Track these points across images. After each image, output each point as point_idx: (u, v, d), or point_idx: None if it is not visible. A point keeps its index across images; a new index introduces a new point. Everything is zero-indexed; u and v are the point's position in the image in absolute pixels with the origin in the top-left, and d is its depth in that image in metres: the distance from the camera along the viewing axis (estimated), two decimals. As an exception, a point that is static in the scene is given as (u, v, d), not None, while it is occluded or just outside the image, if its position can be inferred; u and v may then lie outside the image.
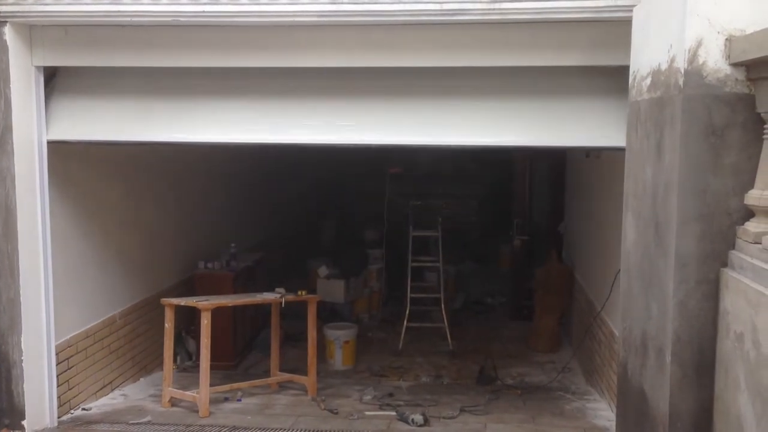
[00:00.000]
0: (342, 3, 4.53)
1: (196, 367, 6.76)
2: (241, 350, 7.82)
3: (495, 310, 10.38)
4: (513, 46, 4.70)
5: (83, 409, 5.86)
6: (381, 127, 5.17)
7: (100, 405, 6.04)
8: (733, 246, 3.30)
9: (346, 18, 4.60)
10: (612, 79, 4.76)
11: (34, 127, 5.15)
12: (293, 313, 7.79)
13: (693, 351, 3.35)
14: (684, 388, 3.38)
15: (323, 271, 9.41)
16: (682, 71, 3.29)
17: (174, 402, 6.12)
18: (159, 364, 6.80)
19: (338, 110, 5.21)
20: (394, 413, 5.94)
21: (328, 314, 9.05)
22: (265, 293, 6.94)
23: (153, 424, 5.66)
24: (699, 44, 3.26)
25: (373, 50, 4.83)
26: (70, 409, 5.74)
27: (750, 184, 3.25)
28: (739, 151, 3.28)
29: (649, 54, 3.79)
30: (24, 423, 5.17)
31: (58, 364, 5.46)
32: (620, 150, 4.36)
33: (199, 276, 7.62)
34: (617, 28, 4.34)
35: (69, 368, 5.68)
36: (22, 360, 5.12)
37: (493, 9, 4.41)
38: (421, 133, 5.14)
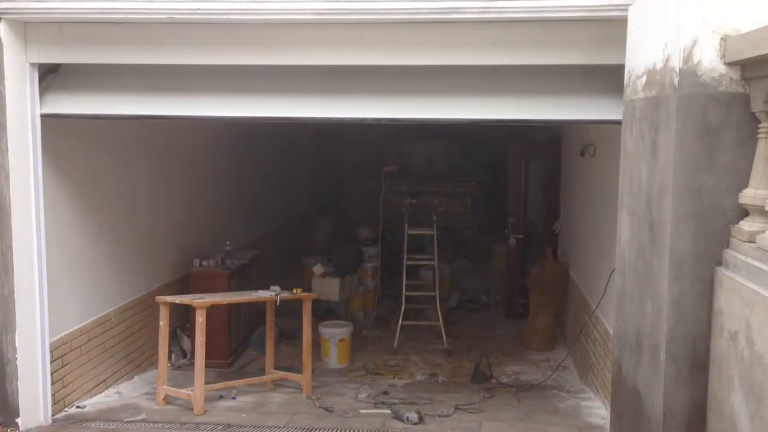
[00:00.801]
0: (339, 1, 4.52)
1: (191, 365, 6.76)
2: (236, 348, 7.81)
3: (490, 308, 10.38)
4: (510, 45, 4.70)
5: (78, 407, 5.84)
6: (382, 108, 5.18)
7: (94, 403, 6.02)
8: (727, 245, 3.31)
9: (343, 16, 4.60)
10: (609, 76, 4.76)
11: (28, 125, 5.14)
12: (288, 311, 7.79)
13: (687, 349, 3.37)
14: (678, 386, 3.39)
15: (318, 269, 9.39)
16: (677, 70, 3.30)
17: (169, 400, 6.11)
18: (154, 362, 6.79)
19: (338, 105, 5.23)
20: (389, 411, 5.94)
21: (324, 312, 9.06)
22: (260, 291, 6.92)
23: (147, 421, 5.65)
24: (694, 43, 3.27)
25: (372, 49, 4.82)
26: (65, 407, 5.72)
27: (744, 183, 3.26)
28: (734, 151, 3.29)
29: (644, 53, 3.80)
30: (18, 421, 5.16)
31: (52, 361, 5.45)
32: (616, 123, 4.45)
33: (194, 274, 7.61)
34: (614, 28, 4.34)
35: (63, 366, 5.66)
36: (16, 358, 5.11)
37: (489, 7, 4.42)
38: (422, 111, 5.15)
